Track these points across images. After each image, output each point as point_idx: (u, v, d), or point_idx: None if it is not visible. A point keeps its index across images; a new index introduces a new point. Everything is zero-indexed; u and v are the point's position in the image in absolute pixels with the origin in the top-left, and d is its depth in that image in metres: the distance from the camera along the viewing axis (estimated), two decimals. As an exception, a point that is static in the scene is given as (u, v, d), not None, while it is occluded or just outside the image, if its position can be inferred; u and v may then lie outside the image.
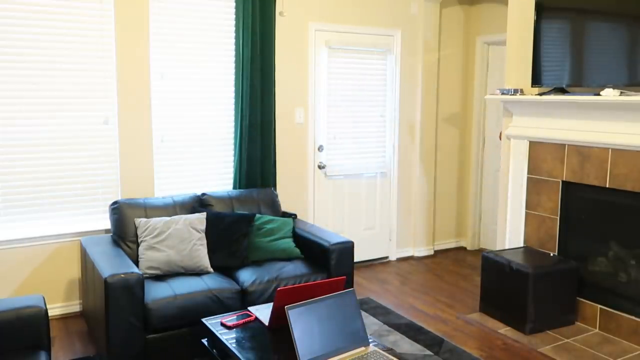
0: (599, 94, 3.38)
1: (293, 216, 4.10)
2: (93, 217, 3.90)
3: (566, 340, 3.51)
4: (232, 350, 2.34)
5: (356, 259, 5.04)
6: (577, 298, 3.77)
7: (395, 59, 5.03)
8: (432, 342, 3.43)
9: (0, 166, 3.59)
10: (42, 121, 3.68)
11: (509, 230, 4.21)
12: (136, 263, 3.41)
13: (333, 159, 4.84)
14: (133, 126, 3.91)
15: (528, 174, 4.06)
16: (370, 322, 3.72)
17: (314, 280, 3.43)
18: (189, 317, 3.04)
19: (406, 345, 3.39)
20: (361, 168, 5.00)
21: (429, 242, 5.41)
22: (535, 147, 3.99)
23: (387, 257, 5.25)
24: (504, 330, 3.66)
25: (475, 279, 4.67)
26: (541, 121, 3.90)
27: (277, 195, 4.12)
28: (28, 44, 3.57)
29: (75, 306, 3.88)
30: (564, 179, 3.80)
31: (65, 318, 3.80)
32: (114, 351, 2.89)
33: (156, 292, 3.06)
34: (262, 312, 2.70)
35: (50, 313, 3.78)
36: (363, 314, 3.84)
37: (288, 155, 4.59)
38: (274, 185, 4.37)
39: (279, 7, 4.36)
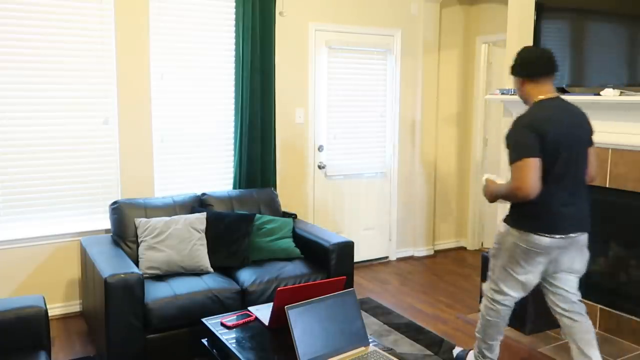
0: (599, 94, 3.38)
1: (293, 216, 4.10)
2: (93, 217, 3.90)
3: (566, 340, 3.51)
4: (232, 350, 2.34)
5: (356, 259, 5.04)
6: (577, 298, 3.77)
7: (395, 59, 5.03)
8: (432, 342, 3.43)
9: (0, 166, 3.59)
10: (42, 121, 3.68)
11: (509, 230, 4.21)
12: (136, 263, 3.41)
13: (333, 159, 4.84)
14: (133, 126, 3.91)
15: (528, 174, 4.05)
16: (370, 322, 3.72)
17: (314, 280, 3.43)
18: (189, 317, 3.04)
19: (406, 345, 3.39)
20: (361, 168, 5.00)
21: (429, 242, 5.41)
22: (535, 147, 3.98)
23: (387, 257, 5.25)
24: (504, 330, 3.66)
25: (475, 279, 4.67)
26: (541, 121, 3.90)
27: (277, 195, 4.12)
28: (28, 44, 3.57)
29: (75, 306, 3.88)
30: (564, 179, 3.79)
31: (65, 318, 3.80)
32: (114, 351, 2.89)
33: (156, 292, 3.06)
34: (262, 312, 2.70)
35: (50, 313, 3.78)
36: (363, 314, 3.84)
37: (288, 155, 4.59)
38: (274, 185, 4.37)
39: (279, 7, 4.36)
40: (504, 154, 4.29)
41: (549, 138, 2.51)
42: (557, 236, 2.57)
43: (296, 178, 4.66)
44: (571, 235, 2.61)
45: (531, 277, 2.67)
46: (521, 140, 2.53)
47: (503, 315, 2.80)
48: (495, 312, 2.80)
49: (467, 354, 3.12)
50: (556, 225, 2.57)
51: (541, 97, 2.66)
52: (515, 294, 2.73)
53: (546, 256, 2.61)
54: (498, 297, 2.77)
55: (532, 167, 2.47)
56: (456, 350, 3.21)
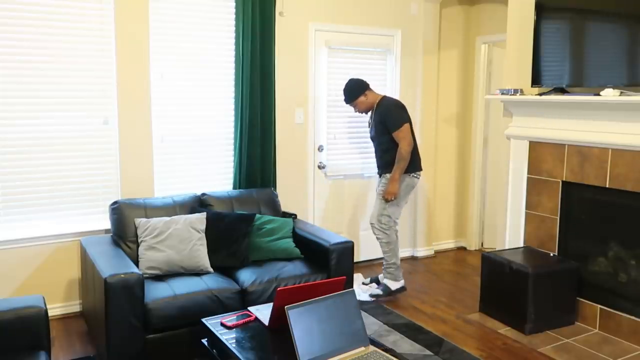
0: (599, 94, 3.38)
1: (293, 216, 4.10)
2: (93, 217, 3.90)
3: (566, 340, 3.51)
4: (232, 350, 2.34)
5: (356, 259, 5.04)
6: (577, 298, 3.77)
7: (395, 59, 5.02)
8: (432, 342, 3.43)
9: (0, 166, 3.59)
10: (42, 121, 3.68)
11: (509, 230, 4.21)
12: (136, 263, 3.41)
13: (333, 159, 4.84)
14: (133, 126, 3.91)
15: (528, 174, 4.06)
16: (370, 322, 3.71)
17: (314, 280, 3.43)
18: (189, 317, 3.04)
19: (406, 345, 3.39)
20: (361, 168, 5.00)
21: (429, 242, 5.41)
22: (535, 147, 3.99)
23: (387, 257, 5.24)
24: (504, 330, 3.66)
25: (475, 279, 4.67)
26: (541, 121, 3.90)
27: (277, 195, 4.12)
28: (28, 44, 3.57)
29: (75, 306, 3.88)
30: (564, 179, 3.80)
31: (65, 318, 3.80)
32: (114, 351, 2.89)
33: (156, 292, 3.06)
34: (262, 312, 2.70)
35: (50, 313, 3.78)
36: (363, 314, 3.84)
37: (288, 155, 4.59)
38: (274, 185, 4.37)
39: (279, 7, 4.36)
40: (504, 154, 4.30)
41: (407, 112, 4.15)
42: (420, 173, 4.20)
43: (296, 178, 4.66)
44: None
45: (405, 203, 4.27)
46: (398, 114, 4.07)
47: (397, 232, 4.25)
48: (394, 233, 4.22)
49: (377, 279, 4.43)
50: (420, 166, 4.21)
51: (379, 96, 4.22)
52: (399, 216, 4.24)
53: (414, 187, 4.25)
54: (392, 223, 4.19)
55: (409, 128, 4.07)
56: (366, 281, 4.52)
